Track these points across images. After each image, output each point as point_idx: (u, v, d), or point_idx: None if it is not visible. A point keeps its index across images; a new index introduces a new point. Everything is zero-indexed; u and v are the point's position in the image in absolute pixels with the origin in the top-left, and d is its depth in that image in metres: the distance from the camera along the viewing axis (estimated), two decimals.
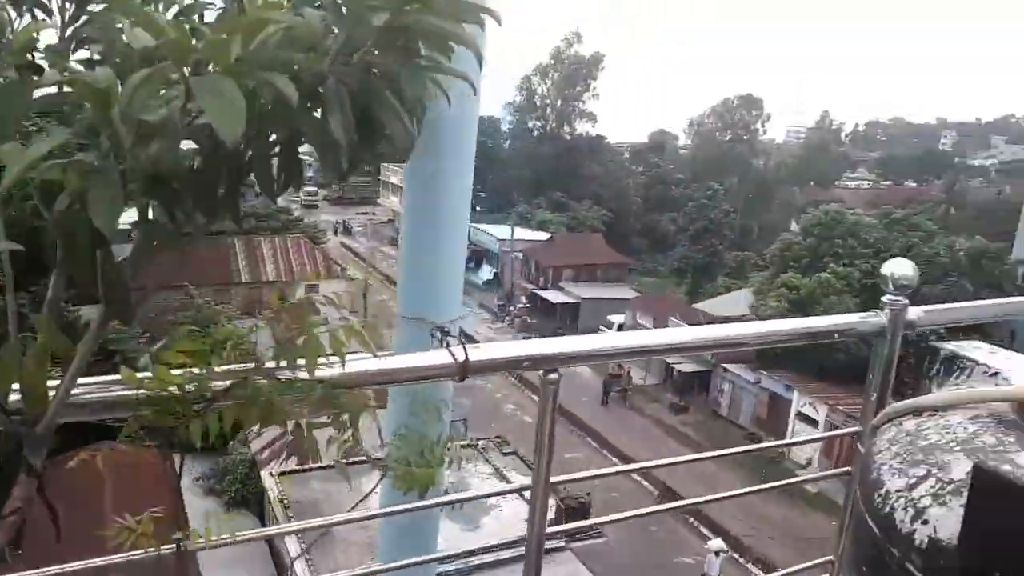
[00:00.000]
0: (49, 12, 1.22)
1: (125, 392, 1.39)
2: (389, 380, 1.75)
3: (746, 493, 2.62)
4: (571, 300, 47.27)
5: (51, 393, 1.26)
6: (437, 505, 2.02)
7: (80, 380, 1.32)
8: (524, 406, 33.33)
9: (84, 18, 1.23)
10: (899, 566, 1.25)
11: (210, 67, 1.07)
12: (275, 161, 1.27)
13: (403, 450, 1.87)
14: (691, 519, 24.67)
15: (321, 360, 1.46)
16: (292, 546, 16.00)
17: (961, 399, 1.49)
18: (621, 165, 71.70)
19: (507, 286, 51.82)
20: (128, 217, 1.21)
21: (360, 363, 1.64)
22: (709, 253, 53.20)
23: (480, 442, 20.72)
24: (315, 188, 74.98)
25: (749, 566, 22.61)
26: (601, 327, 44.08)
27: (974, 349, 1.80)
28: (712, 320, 37.79)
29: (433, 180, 2.16)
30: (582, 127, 71.27)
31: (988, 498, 1.09)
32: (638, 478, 29.27)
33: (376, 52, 1.24)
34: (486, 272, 57.15)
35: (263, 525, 20.02)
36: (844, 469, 2.51)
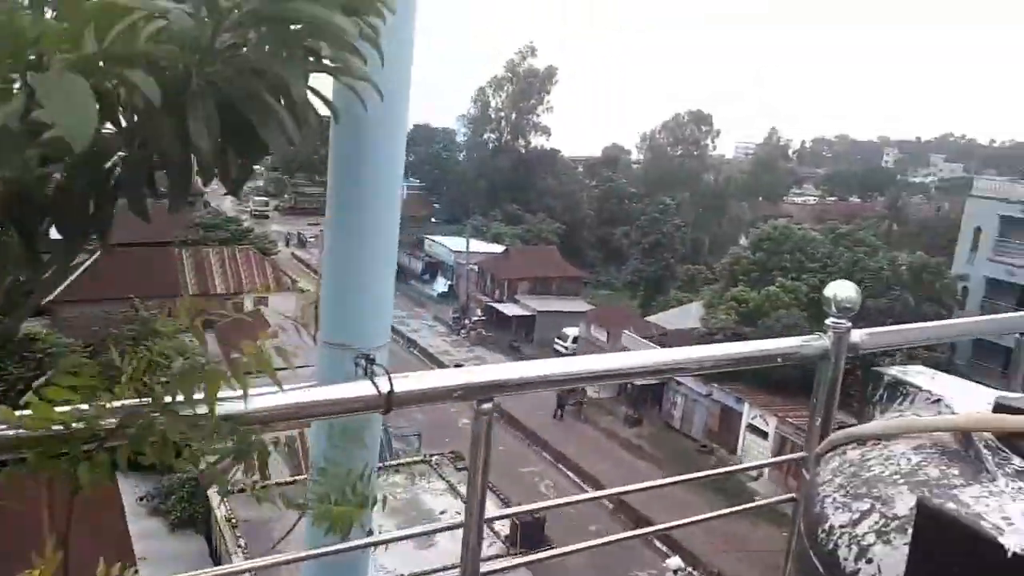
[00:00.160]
0: None
1: (4, 432, 1.20)
2: (303, 415, 1.61)
3: (695, 522, 2.54)
4: (527, 313, 47.34)
5: None
6: (361, 547, 1.85)
7: None
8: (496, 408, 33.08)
9: None
10: None
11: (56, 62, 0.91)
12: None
13: (324, 485, 1.72)
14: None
15: (229, 393, 1.31)
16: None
17: (903, 428, 1.46)
18: (575, 179, 72.36)
19: (462, 299, 51.66)
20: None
21: (271, 396, 1.49)
22: (662, 266, 53.89)
23: (434, 457, 20.48)
24: (266, 198, 73.85)
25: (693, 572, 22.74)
26: (556, 339, 44.25)
27: (917, 374, 1.77)
28: (664, 332, 38.25)
29: (357, 193, 1.99)
30: (536, 140, 71.91)
31: (933, 537, 1.06)
32: (591, 489, 29.29)
33: (257, 48, 1.10)
34: (441, 284, 56.91)
35: (210, 546, 19.43)
36: (789, 496, 2.46)
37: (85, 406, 1.24)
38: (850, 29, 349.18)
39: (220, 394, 1.30)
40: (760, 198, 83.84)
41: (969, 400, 1.55)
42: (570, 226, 62.58)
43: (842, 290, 2.30)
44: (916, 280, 37.38)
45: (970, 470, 1.26)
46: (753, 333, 32.87)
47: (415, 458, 20.67)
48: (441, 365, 42.11)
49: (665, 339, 37.00)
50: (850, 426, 1.63)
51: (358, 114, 1.62)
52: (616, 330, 39.69)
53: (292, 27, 1.12)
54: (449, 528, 1.92)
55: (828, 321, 2.31)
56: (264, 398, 1.47)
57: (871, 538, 1.20)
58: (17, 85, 0.93)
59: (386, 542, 1.93)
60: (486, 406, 1.74)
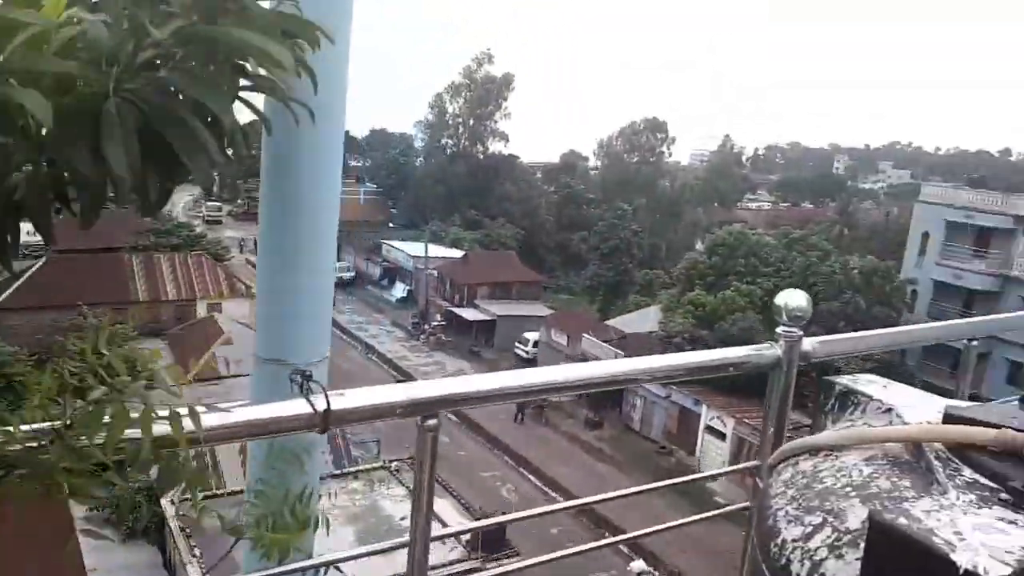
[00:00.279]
0: None
1: None
2: (233, 436, 1.53)
3: (653, 532, 2.52)
4: (487, 317, 47.29)
5: None
6: (298, 570, 1.75)
7: None
8: (441, 425, 32.91)
9: None
10: None
11: None
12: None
13: (261, 508, 1.64)
14: (605, 533, 24.85)
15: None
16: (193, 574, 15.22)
17: (855, 439, 1.46)
18: (534, 184, 72.66)
19: (421, 304, 51.40)
20: None
21: (193, 419, 1.40)
22: (620, 271, 54.36)
23: (394, 463, 20.30)
24: (219, 203, 72.53)
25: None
26: (517, 344, 44.30)
27: (868, 383, 1.79)
28: (623, 336, 38.58)
29: (292, 202, 1.92)
30: (495, 146, 71.99)
31: (885, 552, 1.06)
32: (555, 494, 29.37)
33: (182, 67, 1.07)
34: (400, 289, 56.56)
35: (164, 556, 18.97)
36: (743, 505, 2.44)
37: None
38: (800, 33, 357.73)
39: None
40: (715, 204, 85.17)
41: (920, 410, 1.55)
42: (529, 231, 62.77)
43: (793, 299, 2.28)
44: (867, 284, 38.30)
45: (921, 482, 1.26)
46: (710, 336, 33.38)
47: (374, 464, 20.46)
48: (400, 371, 41.83)
49: (624, 342, 37.34)
50: (805, 433, 1.63)
51: (300, 129, 1.59)
52: (576, 334, 39.91)
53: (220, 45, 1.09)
54: (394, 548, 1.84)
55: (779, 330, 2.30)
56: (187, 419, 1.37)
57: (823, 552, 1.20)
58: None
59: (325, 564, 1.84)
60: (431, 422, 1.69)
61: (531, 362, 41.97)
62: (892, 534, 1.04)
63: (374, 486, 19.13)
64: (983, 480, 1.23)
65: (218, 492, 15.63)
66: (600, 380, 2.16)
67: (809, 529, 1.25)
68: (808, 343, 2.34)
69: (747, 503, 2.34)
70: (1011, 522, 1.09)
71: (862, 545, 1.11)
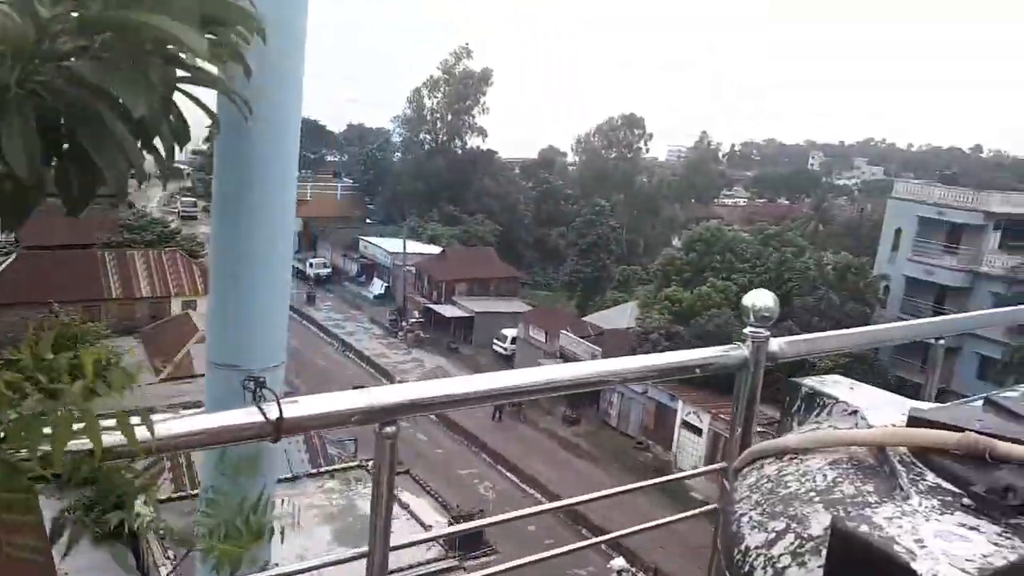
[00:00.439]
0: None
1: None
2: (182, 446, 1.48)
3: (627, 534, 2.52)
4: (465, 314, 47.23)
5: None
6: None
7: None
8: (419, 423, 32.89)
9: None
10: None
11: None
12: None
13: (214, 518, 1.60)
14: (583, 530, 24.96)
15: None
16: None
17: (819, 442, 1.46)
18: (512, 180, 72.55)
19: (399, 300, 51.21)
20: None
21: (142, 428, 1.33)
22: (598, 267, 54.56)
23: (371, 462, 20.16)
24: (194, 198, 71.71)
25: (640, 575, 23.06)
26: (495, 340, 44.30)
27: (834, 384, 1.78)
28: (601, 332, 38.72)
29: (246, 201, 1.86)
30: (473, 141, 71.77)
31: (846, 561, 1.05)
32: (533, 491, 29.45)
33: (94, 59, 0.99)
34: (377, 286, 56.29)
35: (138, 558, 18.73)
36: (711, 507, 2.42)
37: None
38: (797, 33, 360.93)
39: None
40: (692, 200, 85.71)
41: (886, 412, 1.55)
42: (507, 227, 62.73)
43: (760, 299, 2.27)
44: (841, 279, 38.78)
45: (885, 487, 1.26)
46: (686, 332, 33.60)
47: (351, 463, 20.35)
48: (378, 368, 41.67)
49: (602, 339, 37.49)
50: (771, 435, 1.64)
51: (243, 118, 1.54)
52: (554, 330, 40.00)
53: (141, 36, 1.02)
54: (353, 558, 1.79)
55: (746, 330, 2.29)
56: (125, 431, 1.29)
57: (786, 560, 1.19)
58: None
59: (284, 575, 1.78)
60: (389, 430, 1.65)
61: (509, 358, 42.02)
62: (854, 542, 1.04)
63: (351, 485, 19.00)
64: (946, 485, 1.23)
65: (194, 493, 15.47)
66: (566, 383, 2.11)
67: (772, 535, 1.25)
68: (775, 343, 2.33)
69: (716, 504, 2.33)
70: (972, 528, 1.09)
71: (824, 552, 1.10)
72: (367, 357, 43.32)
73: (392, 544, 1.73)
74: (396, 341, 46.97)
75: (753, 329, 2.28)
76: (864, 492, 1.26)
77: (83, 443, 1.15)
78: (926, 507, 1.15)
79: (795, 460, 1.46)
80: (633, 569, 21.54)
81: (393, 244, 54.99)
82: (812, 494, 1.30)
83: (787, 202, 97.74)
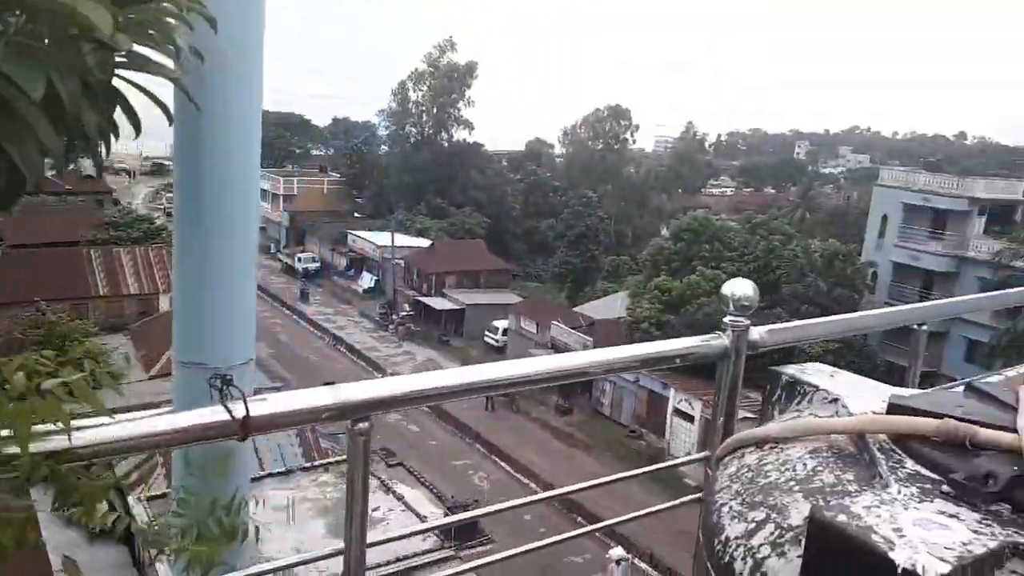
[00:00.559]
0: None
1: None
2: (146, 447, 1.45)
3: (619, 523, 2.53)
4: (455, 307, 47.16)
5: None
6: None
7: None
8: (410, 415, 32.90)
9: None
10: None
11: None
12: None
13: (185, 518, 1.58)
14: (578, 518, 25.09)
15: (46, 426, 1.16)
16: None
17: (799, 431, 1.45)
18: (499, 172, 72.32)
19: (389, 294, 51.08)
20: None
21: (105, 429, 1.33)
22: (587, 258, 54.56)
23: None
24: None
25: (637, 561, 23.20)
26: (486, 332, 44.29)
27: (815, 372, 1.78)
28: (591, 322, 38.81)
29: (207, 194, 1.80)
30: (459, 134, 71.45)
31: (824, 551, 1.04)
32: (527, 480, 29.54)
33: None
34: (367, 280, 56.12)
35: (133, 554, 18.69)
36: (696, 496, 2.40)
37: None
38: (799, 33, 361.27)
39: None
40: (679, 190, 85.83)
41: (866, 399, 1.54)
42: (496, 219, 62.57)
43: (739, 288, 2.25)
44: (828, 266, 38.97)
45: (864, 475, 1.26)
46: (676, 321, 33.73)
47: (344, 456, 20.37)
48: (369, 362, 41.59)
49: (592, 329, 37.58)
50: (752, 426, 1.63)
51: (203, 109, 1.52)
52: (545, 321, 40.04)
53: (51, 14, 0.96)
54: (329, 556, 1.77)
55: (726, 319, 2.26)
56: (95, 431, 1.30)
57: (766, 550, 1.18)
58: None
59: None
60: (361, 426, 1.62)
61: (501, 350, 42.02)
62: (831, 532, 1.03)
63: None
64: (925, 472, 1.22)
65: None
66: (544, 376, 2.06)
67: (752, 526, 1.24)
68: (756, 332, 2.32)
69: (700, 494, 2.31)
70: (952, 516, 1.08)
71: (803, 543, 1.09)
72: (358, 351, 43.20)
73: (369, 540, 1.72)
74: (387, 334, 46.87)
75: (733, 318, 2.26)
76: (844, 481, 1.26)
77: (47, 444, 1.15)
78: (905, 495, 1.14)
79: (775, 449, 1.45)
80: (631, 557, 21.65)
81: (382, 238, 54.80)
82: (792, 483, 1.30)
83: (773, 191, 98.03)
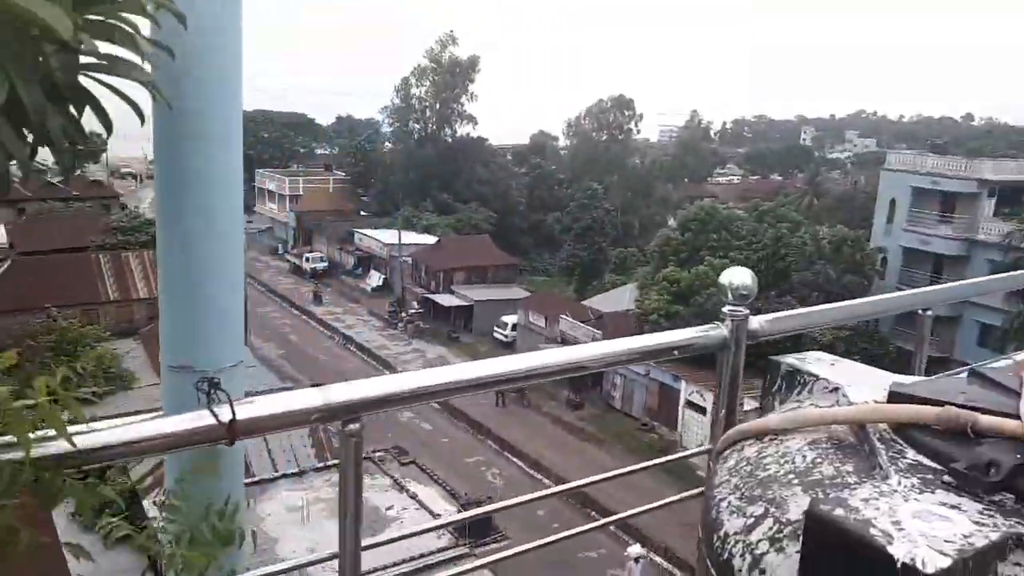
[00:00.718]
0: None
1: None
2: (131, 452, 1.40)
3: (625, 517, 2.54)
4: (464, 303, 47.18)
5: None
6: None
7: None
8: (422, 412, 32.97)
9: None
10: None
11: None
12: None
13: (177, 524, 1.56)
14: (592, 512, 25.08)
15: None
16: None
17: (799, 422, 1.42)
18: (504, 167, 72.20)
19: (398, 291, 51.15)
20: None
21: (89, 436, 1.30)
22: (594, 251, 54.42)
23: (377, 454, 20.30)
24: None
25: (653, 556, 23.19)
26: (495, 328, 44.29)
27: (815, 362, 1.74)
28: (600, 315, 38.74)
29: (189, 194, 1.77)
30: (463, 129, 71.35)
31: (823, 546, 1.02)
32: (539, 476, 29.55)
33: None
34: (375, 278, 56.22)
35: (151, 559, 18.82)
36: (698, 491, 2.32)
37: None
38: (762, 11, 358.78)
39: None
40: (686, 180, 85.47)
41: (867, 388, 1.51)
42: (502, 214, 62.50)
43: (737, 277, 2.21)
44: (837, 253, 38.72)
45: (864, 466, 1.23)
46: (686, 312, 33.62)
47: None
48: (379, 360, 41.67)
49: (601, 322, 37.51)
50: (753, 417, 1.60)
51: (181, 108, 1.51)
52: (554, 315, 40.01)
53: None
54: (324, 560, 1.74)
55: (725, 309, 2.23)
56: (82, 438, 1.28)
57: (764, 546, 1.16)
58: None
59: None
60: (352, 427, 1.59)
61: (510, 345, 42.04)
62: (829, 526, 1.01)
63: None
64: (926, 462, 1.19)
65: None
66: (542, 371, 2.02)
67: (751, 520, 1.22)
68: (756, 321, 2.28)
69: (702, 488, 2.33)
70: (953, 507, 1.05)
71: (802, 537, 1.07)
72: (368, 349, 43.31)
73: (370, 541, 1.71)
74: (396, 332, 46.95)
75: (732, 308, 2.22)
76: (843, 473, 1.23)
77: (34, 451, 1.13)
78: (905, 486, 1.11)
79: (775, 441, 1.43)
80: (648, 553, 21.60)
81: (388, 235, 54.85)
82: (791, 476, 1.27)
83: (780, 178, 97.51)
